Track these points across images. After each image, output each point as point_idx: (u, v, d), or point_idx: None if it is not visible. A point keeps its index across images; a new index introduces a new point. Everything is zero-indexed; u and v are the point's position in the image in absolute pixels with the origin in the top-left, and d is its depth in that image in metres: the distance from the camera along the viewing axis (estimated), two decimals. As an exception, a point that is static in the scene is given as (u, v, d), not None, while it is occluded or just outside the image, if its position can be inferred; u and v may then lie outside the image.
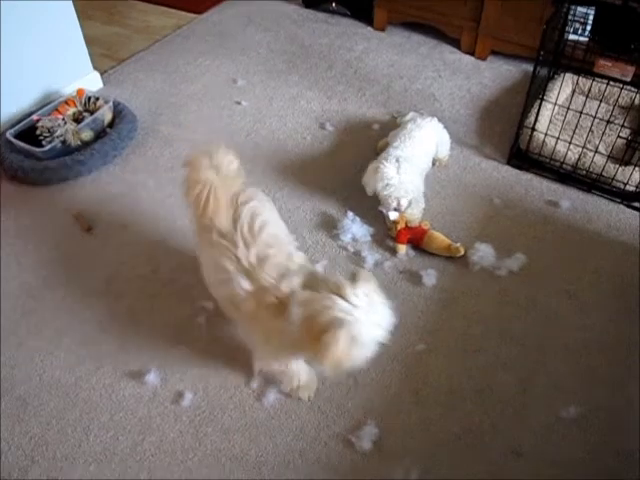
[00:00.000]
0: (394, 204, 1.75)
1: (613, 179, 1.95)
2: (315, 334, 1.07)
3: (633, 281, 1.74)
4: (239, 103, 2.36)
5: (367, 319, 1.10)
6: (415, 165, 1.80)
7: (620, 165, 1.96)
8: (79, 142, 2.07)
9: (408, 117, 2.05)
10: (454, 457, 1.36)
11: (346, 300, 1.08)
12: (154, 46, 2.74)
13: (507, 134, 2.20)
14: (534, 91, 2.02)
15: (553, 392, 1.47)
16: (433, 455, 1.36)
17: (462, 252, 1.73)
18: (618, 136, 2.01)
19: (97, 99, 2.17)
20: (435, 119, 1.96)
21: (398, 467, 1.33)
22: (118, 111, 2.20)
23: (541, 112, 2.05)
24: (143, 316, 1.62)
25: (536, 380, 1.49)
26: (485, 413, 1.43)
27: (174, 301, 1.65)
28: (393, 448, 1.37)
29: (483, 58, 2.65)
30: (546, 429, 1.41)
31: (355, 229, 1.82)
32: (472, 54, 2.67)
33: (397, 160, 1.76)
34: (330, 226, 1.86)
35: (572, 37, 2.33)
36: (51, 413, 1.42)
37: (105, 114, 2.15)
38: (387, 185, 1.73)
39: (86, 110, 2.16)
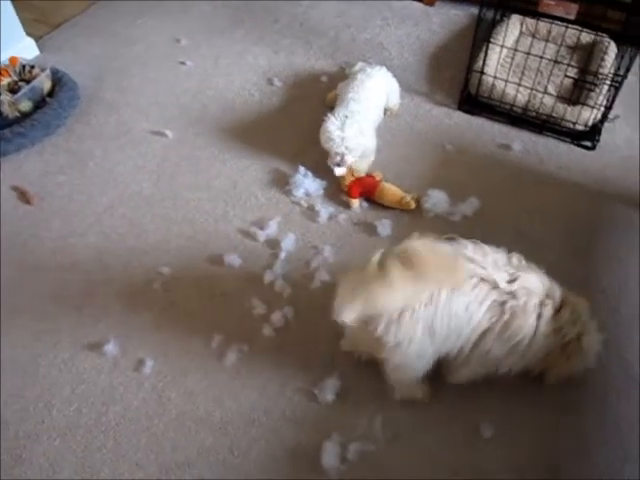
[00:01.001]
0: (337, 159, 1.73)
1: (562, 119, 1.96)
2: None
3: (584, 219, 1.77)
4: (184, 63, 2.29)
5: None
6: (365, 117, 1.78)
7: (569, 105, 1.97)
8: (17, 113, 1.98)
9: (357, 68, 2.02)
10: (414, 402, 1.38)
11: None
12: (90, 9, 2.61)
13: (457, 80, 2.18)
14: (481, 35, 2.01)
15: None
16: (395, 401, 1.37)
17: (413, 206, 1.73)
18: (565, 75, 2.02)
19: (32, 67, 2.08)
20: (384, 68, 1.94)
21: (362, 416, 1.35)
22: (57, 79, 2.11)
23: (489, 55, 2.04)
24: (97, 286, 1.59)
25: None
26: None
27: (128, 268, 1.63)
28: (356, 397, 1.38)
29: (431, 4, 2.60)
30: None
31: (307, 184, 1.80)
32: (420, 0, 2.62)
33: (345, 115, 1.73)
34: (282, 182, 1.84)
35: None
36: (10, 392, 1.40)
37: (43, 82, 2.06)
38: (330, 140, 1.71)
39: (22, 80, 2.06)
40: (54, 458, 1.30)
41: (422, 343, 1.20)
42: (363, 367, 1.43)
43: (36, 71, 2.07)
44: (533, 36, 2.20)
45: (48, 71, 2.08)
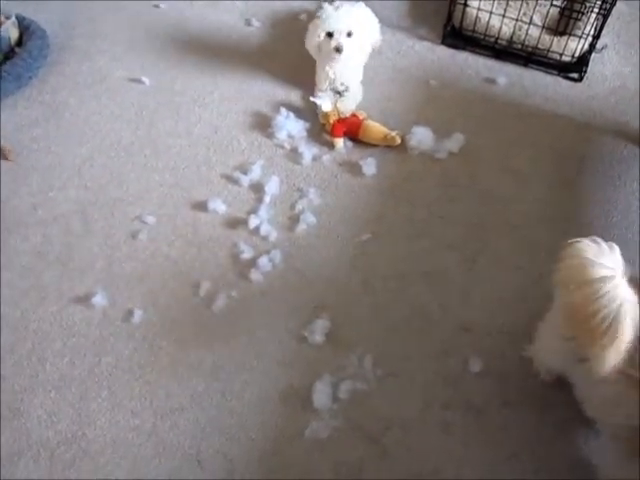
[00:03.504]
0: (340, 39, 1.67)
1: (549, 50, 1.90)
2: None
3: (571, 152, 1.74)
4: (157, 6, 2.17)
5: None
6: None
7: (555, 35, 1.90)
8: (-15, 66, 1.90)
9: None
10: (405, 339, 1.39)
11: None
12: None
13: (441, 13, 2.09)
14: (465, -35, 1.93)
15: (496, 267, 1.51)
16: (385, 339, 1.39)
17: (399, 141, 1.69)
18: (552, 4, 1.95)
19: (-3, 15, 1.98)
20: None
21: (352, 355, 1.35)
22: (25, 27, 2.00)
23: (473, -15, 1.96)
24: (80, 239, 1.56)
25: (480, 257, 1.52)
26: (433, 294, 1.46)
27: (111, 220, 1.59)
28: (346, 338, 1.39)
29: None
30: (492, 302, 1.45)
31: (290, 125, 1.75)
32: None
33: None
34: (264, 125, 1.79)
35: None
36: (2, 348, 1.39)
37: (10, 31, 1.95)
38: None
39: (-14, 29, 1.96)
40: (51, 409, 1.30)
41: None
42: (352, 308, 1.43)
43: (0, 19, 1.97)
44: None
45: (14, 18, 1.97)
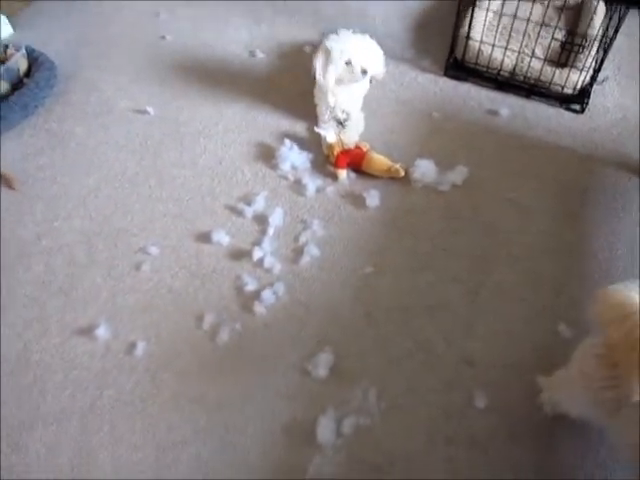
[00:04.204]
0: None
1: (551, 83, 1.92)
2: None
3: (574, 184, 1.75)
4: (164, 38, 2.22)
5: None
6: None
7: (557, 68, 1.93)
8: (-6, 96, 1.93)
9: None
10: (409, 372, 1.39)
11: None
12: (65, -16, 2.53)
13: (444, 45, 2.12)
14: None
15: (500, 299, 1.50)
16: (389, 373, 1.38)
17: (402, 173, 1.70)
18: (553, 38, 1.98)
19: (7, 47, 2.01)
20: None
21: (356, 389, 1.35)
22: (34, 58, 2.04)
23: (475, 19, 1.99)
24: (84, 269, 1.56)
25: (484, 290, 1.52)
26: (437, 327, 1.46)
27: (115, 250, 1.60)
28: (349, 371, 1.38)
29: (415, -33, 2.54)
30: (496, 335, 1.44)
31: (294, 157, 1.77)
32: (403, -36, 2.56)
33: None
34: (268, 156, 1.80)
35: None
36: (3, 381, 1.38)
37: (19, 62, 1.99)
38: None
39: (-4, 60, 2.00)
40: (51, 444, 1.29)
41: None
42: (356, 341, 1.43)
43: (11, 51, 2.01)
44: None
45: (23, 50, 2.01)
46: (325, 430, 1.29)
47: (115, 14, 2.34)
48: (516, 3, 2.03)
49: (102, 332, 1.44)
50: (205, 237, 1.61)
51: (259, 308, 1.47)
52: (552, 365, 1.28)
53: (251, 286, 1.51)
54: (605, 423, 1.16)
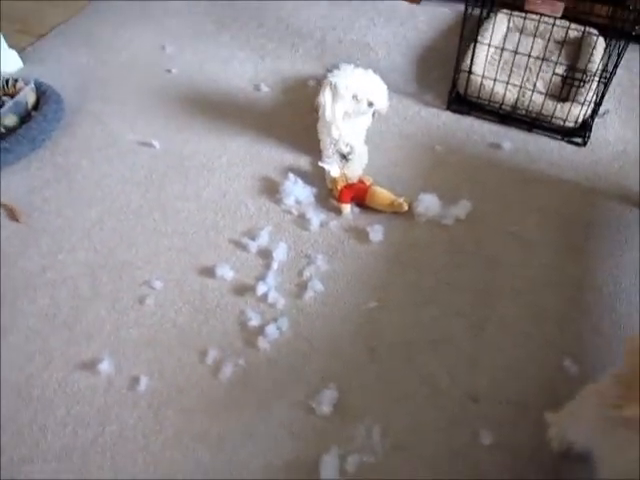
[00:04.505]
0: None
1: (552, 116, 1.95)
2: None
3: (577, 217, 1.76)
4: (169, 71, 2.26)
5: None
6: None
7: (558, 102, 1.96)
8: (2, 129, 1.96)
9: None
10: (414, 409, 1.38)
11: None
12: (74, 18, 2.58)
13: (446, 79, 2.16)
14: (468, 33, 1.99)
15: (505, 334, 1.50)
16: (393, 410, 1.37)
17: (406, 208, 1.71)
18: (554, 73, 2.01)
19: (16, 81, 2.05)
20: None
21: (360, 426, 1.34)
22: (42, 92, 2.08)
23: (476, 54, 2.02)
24: (88, 302, 1.57)
25: (488, 324, 1.52)
26: (441, 362, 1.45)
27: (119, 283, 1.60)
28: (353, 408, 1.37)
29: (417, 2, 2.59)
30: (500, 371, 1.44)
31: (298, 191, 1.79)
32: (405, -1, 2.61)
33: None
34: (272, 190, 1.82)
35: (503, -28, 2.31)
36: (3, 416, 1.37)
37: (28, 96, 2.03)
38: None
39: (5, 94, 2.03)
40: (51, 480, 1.28)
41: None
42: (360, 377, 1.42)
43: (20, 85, 2.05)
44: (521, 32, 2.18)
45: (32, 84, 2.05)
46: (328, 468, 1.28)
47: (122, 48, 2.39)
48: (517, 38, 2.07)
49: (105, 366, 1.44)
50: (209, 271, 1.62)
51: (263, 343, 1.47)
52: (558, 401, 1.28)
53: (255, 321, 1.51)
54: (597, 443, 1.15)
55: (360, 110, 1.74)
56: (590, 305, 1.57)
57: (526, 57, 1.98)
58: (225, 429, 1.35)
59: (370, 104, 1.74)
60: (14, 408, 1.39)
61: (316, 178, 1.84)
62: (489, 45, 2.07)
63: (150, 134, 2.00)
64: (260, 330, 1.49)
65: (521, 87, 1.98)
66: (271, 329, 1.49)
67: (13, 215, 1.78)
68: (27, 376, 1.44)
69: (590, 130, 1.98)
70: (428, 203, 1.73)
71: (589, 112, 1.95)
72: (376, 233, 1.69)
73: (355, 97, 1.72)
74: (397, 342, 1.49)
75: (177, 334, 1.51)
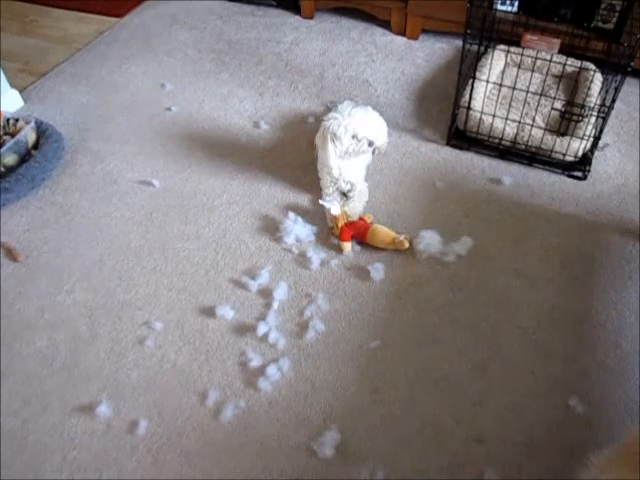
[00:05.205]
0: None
1: (552, 150, 1.98)
2: None
3: (579, 252, 1.78)
4: (169, 109, 2.31)
5: None
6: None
7: (558, 136, 1.99)
8: (2, 168, 1.99)
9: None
10: (418, 451, 1.37)
11: None
12: (75, 56, 2.65)
13: (445, 114, 2.21)
14: (466, 69, 2.04)
15: (509, 373, 1.50)
16: (397, 452, 1.37)
17: (407, 245, 1.73)
18: (553, 108, 2.05)
19: (17, 120, 2.09)
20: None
21: (363, 469, 1.33)
22: (42, 131, 2.12)
23: (475, 90, 2.07)
24: (87, 344, 1.58)
25: (492, 363, 1.52)
26: (444, 403, 1.45)
27: (118, 324, 1.62)
28: (356, 451, 1.37)
29: (415, 38, 2.65)
30: (505, 411, 1.44)
31: (298, 230, 1.81)
32: (403, 34, 2.67)
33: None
34: (272, 229, 1.85)
35: (502, 8, 2.36)
36: (-2, 462, 1.38)
37: (28, 135, 2.07)
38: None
39: (6, 133, 2.07)
40: (46, 529, 1.27)
41: None
42: (362, 419, 1.42)
43: (21, 124, 2.09)
44: (519, 67, 2.23)
45: (32, 123, 2.09)
46: (332, 514, 1.27)
47: (122, 86, 2.45)
48: (515, 73, 2.11)
49: (103, 410, 1.44)
50: (209, 311, 1.63)
51: (264, 385, 1.47)
52: (564, 441, 1.27)
53: (256, 362, 1.51)
54: None
55: (360, 149, 1.78)
56: (595, 341, 1.57)
57: (524, 92, 2.02)
58: (226, 473, 1.34)
59: (370, 143, 1.77)
60: (9, 454, 1.38)
61: (316, 216, 1.87)
62: (487, 81, 2.11)
63: (150, 173, 2.04)
64: (261, 371, 1.50)
65: (520, 122, 2.01)
66: (272, 370, 1.49)
67: (12, 255, 1.80)
68: (23, 421, 1.44)
69: (590, 164, 2.01)
70: (429, 240, 1.75)
71: (588, 146, 1.98)
72: (377, 271, 1.70)
73: (355, 137, 1.75)
74: (400, 382, 1.49)
75: (177, 375, 1.51)
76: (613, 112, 1.92)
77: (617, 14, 2.27)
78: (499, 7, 2.37)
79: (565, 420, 1.41)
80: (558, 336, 1.58)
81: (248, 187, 1.99)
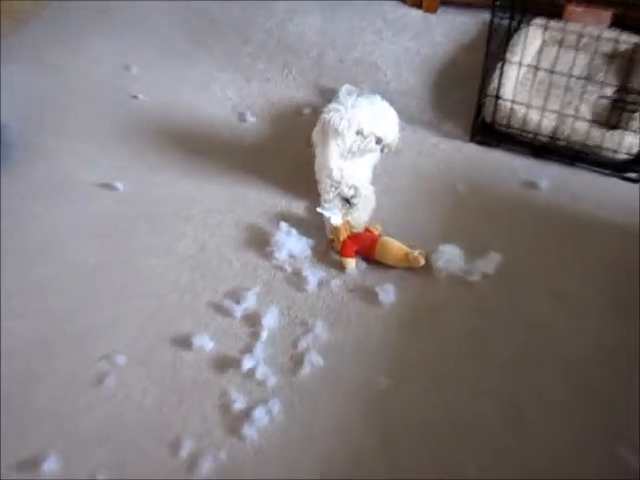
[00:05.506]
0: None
1: (600, 147, 2.00)
2: None
3: (630, 270, 1.80)
4: (136, 97, 2.35)
5: None
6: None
7: (607, 129, 2.01)
8: None
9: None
10: (434, 511, 1.40)
11: None
12: (20, 31, 2.66)
13: (469, 104, 2.23)
14: (495, 48, 2.06)
15: (547, 418, 1.52)
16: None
17: (422, 262, 1.76)
18: (601, 95, 2.06)
19: (-48, 112, 2.14)
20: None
21: (368, 533, 1.36)
22: (-17, 124, 2.17)
23: (505, 74, 2.10)
24: (36, 382, 1.59)
25: (523, 406, 1.54)
26: (467, 452, 1.47)
27: (74, 357, 1.63)
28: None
29: (432, 10, 2.69)
30: (543, 463, 1.45)
31: (291, 243, 1.84)
32: (419, 6, 2.71)
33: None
34: (261, 242, 1.87)
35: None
36: None
37: (-33, 130, 2.11)
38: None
39: (-60, 128, 2.12)
40: None
41: None
42: (368, 471, 1.43)
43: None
44: (559, 45, 2.20)
45: (-28, 116, 2.13)
46: None
47: (80, 68, 2.48)
48: (555, 53, 2.11)
49: (51, 466, 1.43)
50: (184, 342, 1.65)
51: (249, 431, 1.48)
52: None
53: (240, 404, 1.53)
54: None
55: (366, 148, 1.81)
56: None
57: (566, 76, 2.05)
58: (202, 542, 1.37)
59: (378, 140, 1.81)
60: None
61: (313, 227, 1.90)
62: (520, 63, 2.14)
63: (113, 175, 2.07)
64: (246, 414, 1.51)
65: (561, 113, 2.04)
66: (259, 413, 1.50)
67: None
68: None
69: (646, 163, 2.04)
70: (449, 256, 1.78)
71: (645, 141, 2.00)
72: (387, 293, 1.73)
73: (360, 133, 1.78)
74: (414, 428, 1.51)
75: (143, 420, 1.52)
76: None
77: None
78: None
79: (613, 471, 1.43)
80: (603, 372, 1.59)
81: (232, 192, 2.02)
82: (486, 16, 2.42)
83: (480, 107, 2.14)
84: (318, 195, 1.94)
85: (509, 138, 2.13)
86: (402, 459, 1.46)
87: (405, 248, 1.78)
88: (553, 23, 2.30)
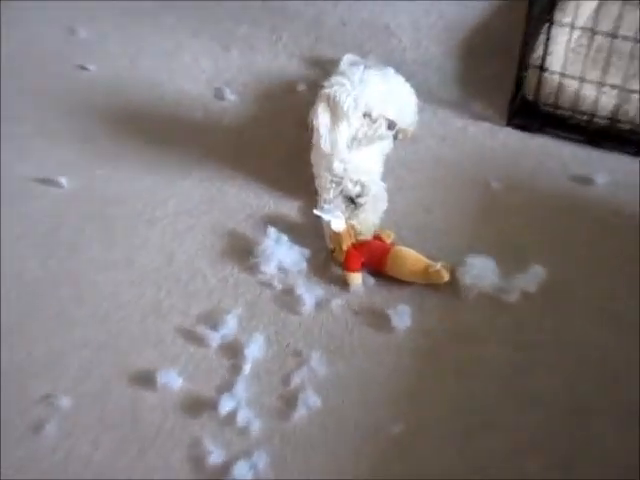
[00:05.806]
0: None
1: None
2: None
3: None
4: (84, 68, 2.37)
5: None
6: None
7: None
8: None
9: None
10: None
11: None
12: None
13: (505, 78, 2.25)
14: (539, 8, 2.08)
15: (602, 472, 1.51)
16: None
17: (446, 277, 1.76)
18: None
19: None
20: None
21: None
22: None
23: (553, 40, 2.12)
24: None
25: (579, 456, 1.54)
26: (503, 520, 1.48)
27: (6, 398, 1.61)
28: None
29: (460, -40, 2.72)
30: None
31: (281, 253, 1.84)
32: (443, -44, 2.73)
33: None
34: (243, 252, 1.88)
35: None
36: None
37: None
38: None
39: None
40: None
41: None
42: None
43: None
44: (623, 2, 2.17)
45: None
46: None
47: (12, 29, 2.49)
48: (616, 12, 2.09)
49: None
50: (146, 379, 1.65)
51: (229, 493, 1.49)
52: None
53: (216, 457, 1.52)
54: None
55: (376, 134, 1.83)
56: None
57: (631, 42, 2.05)
58: None
59: (391, 125, 1.82)
60: None
61: (309, 234, 1.91)
62: (572, 25, 2.13)
63: (55, 166, 2.08)
64: (224, 471, 1.50)
65: (624, 89, 2.05)
66: (241, 469, 1.49)
67: None
68: None
69: None
70: (480, 269, 1.79)
71: None
72: (401, 317, 1.73)
73: (368, 115, 1.80)
74: (433, 485, 1.52)
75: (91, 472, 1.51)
76: None
77: None
78: None
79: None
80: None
81: (206, 189, 2.04)
82: (528, -33, 2.47)
83: (519, 82, 2.16)
84: (315, 193, 1.96)
85: (557, 121, 2.15)
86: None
87: (424, 260, 1.79)
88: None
